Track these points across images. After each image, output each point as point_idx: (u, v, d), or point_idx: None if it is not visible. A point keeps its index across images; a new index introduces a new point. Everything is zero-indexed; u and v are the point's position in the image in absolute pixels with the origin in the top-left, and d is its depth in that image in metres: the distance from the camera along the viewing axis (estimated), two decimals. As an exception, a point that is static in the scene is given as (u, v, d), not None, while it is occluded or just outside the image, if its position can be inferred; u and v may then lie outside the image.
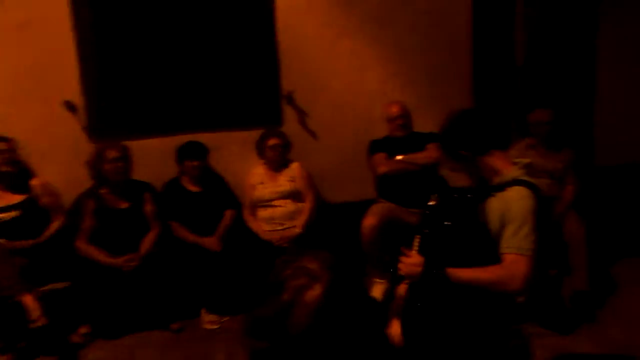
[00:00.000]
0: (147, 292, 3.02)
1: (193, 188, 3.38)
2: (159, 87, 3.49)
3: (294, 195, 3.44)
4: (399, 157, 3.37)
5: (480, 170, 1.80)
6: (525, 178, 1.72)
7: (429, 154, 3.33)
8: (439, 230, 1.76)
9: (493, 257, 1.65)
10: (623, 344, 2.68)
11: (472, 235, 1.72)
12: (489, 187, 1.76)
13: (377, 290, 3.23)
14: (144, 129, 3.52)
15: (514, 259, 1.61)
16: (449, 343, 1.71)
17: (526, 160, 2.08)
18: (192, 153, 3.33)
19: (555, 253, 3.03)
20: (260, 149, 3.51)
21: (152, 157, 3.49)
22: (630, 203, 4.23)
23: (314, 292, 0.76)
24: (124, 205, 3.18)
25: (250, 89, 3.62)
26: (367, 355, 0.73)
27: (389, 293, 3.03)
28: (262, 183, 3.46)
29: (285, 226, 3.36)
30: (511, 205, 1.64)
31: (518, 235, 1.61)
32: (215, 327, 3.09)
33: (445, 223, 1.74)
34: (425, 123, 3.52)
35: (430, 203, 1.84)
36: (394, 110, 3.50)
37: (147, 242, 3.14)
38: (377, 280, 3.26)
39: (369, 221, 3.15)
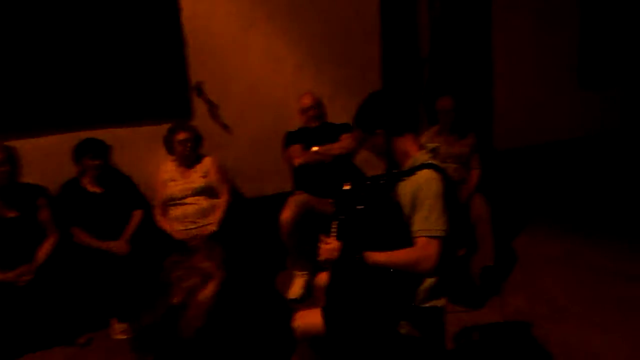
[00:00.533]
0: (47, 306, 2.74)
1: (94, 189, 3.11)
2: (51, 79, 3.15)
3: (207, 192, 3.30)
4: (314, 149, 3.36)
5: (393, 153, 1.83)
6: (434, 162, 1.78)
7: (343, 144, 3.36)
8: (353, 215, 1.77)
9: (407, 238, 1.69)
10: (526, 312, 2.90)
11: (385, 218, 1.74)
12: (401, 171, 1.80)
13: (298, 283, 3.21)
14: (34, 126, 3.17)
15: (426, 242, 1.65)
16: (367, 324, 1.73)
17: (434, 145, 2.15)
18: (91, 151, 3.07)
19: (464, 233, 3.20)
20: (169, 144, 3.32)
21: (46, 157, 3.17)
22: (526, 183, 4.61)
23: (207, 291, 0.69)
24: (12, 213, 2.84)
25: (156, 80, 3.40)
26: (265, 353, 0.68)
27: (309, 284, 3.02)
28: (172, 180, 3.28)
29: (199, 224, 3.21)
30: (421, 189, 1.68)
31: (429, 218, 1.65)
32: (128, 336, 2.88)
33: (358, 207, 1.75)
34: (338, 113, 3.54)
35: (345, 188, 1.85)
36: (307, 101, 3.48)
37: (43, 251, 2.85)
38: (298, 273, 3.23)
39: (287, 214, 3.10)
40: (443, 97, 3.59)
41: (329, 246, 1.78)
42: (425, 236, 1.66)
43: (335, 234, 1.83)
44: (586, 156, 5.04)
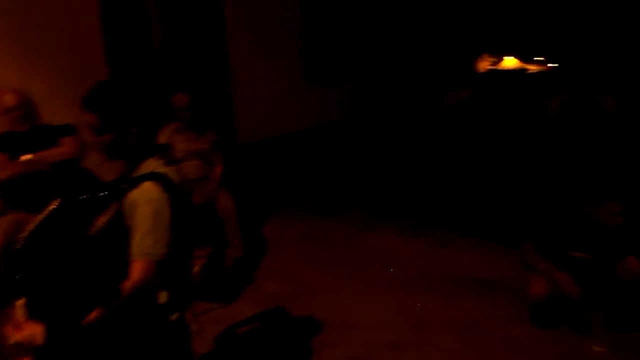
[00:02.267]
0: None
1: None
2: None
3: None
4: (25, 157, 2.80)
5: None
6: (162, 170, 1.61)
7: (64, 150, 2.90)
8: (45, 268, 1.45)
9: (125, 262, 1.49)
10: (278, 296, 3.07)
11: (102, 246, 1.50)
12: (124, 182, 1.57)
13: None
14: None
15: (141, 265, 1.50)
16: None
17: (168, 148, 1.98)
18: None
19: (211, 230, 3.18)
20: None
21: None
22: (272, 173, 4.91)
23: None
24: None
25: None
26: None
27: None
28: None
29: None
30: (138, 207, 1.50)
31: (146, 241, 1.49)
32: None
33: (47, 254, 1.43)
34: (56, 113, 3.03)
35: (50, 207, 1.52)
36: (10, 99, 2.87)
37: None
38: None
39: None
40: (178, 94, 3.46)
41: (22, 336, 1.39)
42: (141, 260, 1.50)
43: (24, 315, 1.44)
44: (321, 144, 5.68)
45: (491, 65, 9.32)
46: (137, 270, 1.48)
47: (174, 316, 1.64)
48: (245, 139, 4.79)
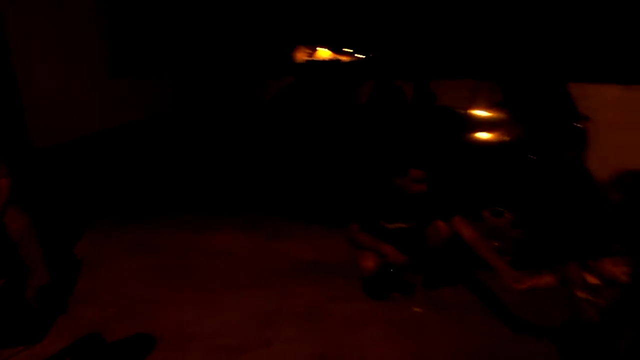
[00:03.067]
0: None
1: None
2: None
3: None
4: None
5: None
6: None
7: None
8: None
9: None
10: (100, 321, 2.66)
11: None
12: None
13: None
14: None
15: None
16: None
17: None
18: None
19: (3, 258, 2.60)
20: None
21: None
22: (85, 179, 4.29)
23: None
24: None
25: None
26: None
27: None
28: None
29: None
30: None
31: None
32: None
33: None
34: None
35: None
36: None
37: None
38: None
39: None
40: None
41: None
42: None
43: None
44: (141, 141, 5.18)
45: (307, 56, 9.76)
46: None
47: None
48: (45, 142, 4.08)
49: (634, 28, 6.81)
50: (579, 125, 3.49)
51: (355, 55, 8.38)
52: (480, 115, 3.62)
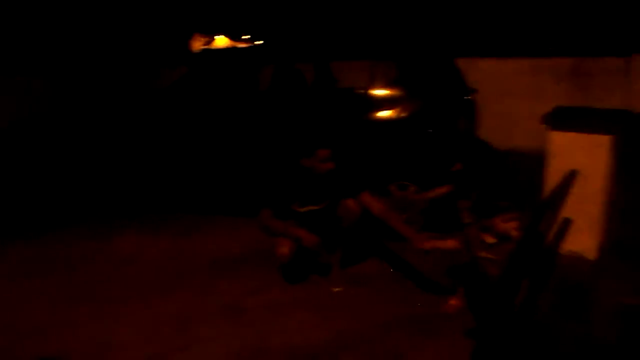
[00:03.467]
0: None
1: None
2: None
3: None
4: None
5: None
6: None
7: None
8: None
9: None
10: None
11: None
12: None
13: None
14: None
15: None
16: None
17: None
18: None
19: None
20: None
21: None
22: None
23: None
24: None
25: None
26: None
27: None
28: None
29: None
30: None
31: None
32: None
33: None
34: None
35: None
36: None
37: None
38: None
39: None
40: None
41: None
42: None
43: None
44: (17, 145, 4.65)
45: (204, 44, 9.40)
46: None
47: None
48: None
49: (507, 6, 7.44)
50: (468, 97, 3.73)
51: (254, 41, 8.24)
52: (378, 94, 3.72)
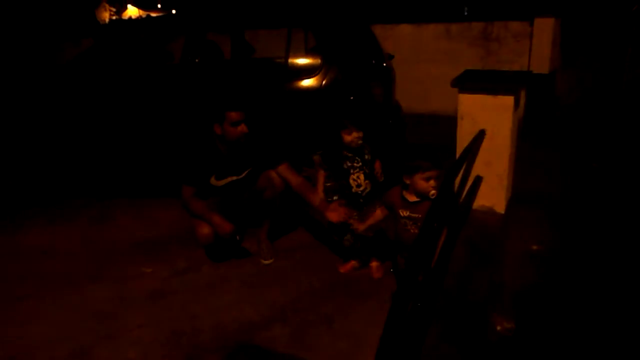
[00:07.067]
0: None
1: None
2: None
3: None
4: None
5: None
6: None
7: None
8: None
9: None
10: None
11: None
12: None
13: None
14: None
15: None
16: None
17: None
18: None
19: None
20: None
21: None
22: None
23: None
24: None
25: None
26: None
27: None
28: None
29: None
30: None
31: None
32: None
33: None
34: None
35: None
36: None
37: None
38: None
39: None
40: None
41: None
42: None
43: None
44: None
45: (113, 15, 8.74)
46: None
47: None
48: None
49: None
50: (385, 63, 3.78)
51: (166, 10, 7.79)
52: (295, 63, 3.67)
